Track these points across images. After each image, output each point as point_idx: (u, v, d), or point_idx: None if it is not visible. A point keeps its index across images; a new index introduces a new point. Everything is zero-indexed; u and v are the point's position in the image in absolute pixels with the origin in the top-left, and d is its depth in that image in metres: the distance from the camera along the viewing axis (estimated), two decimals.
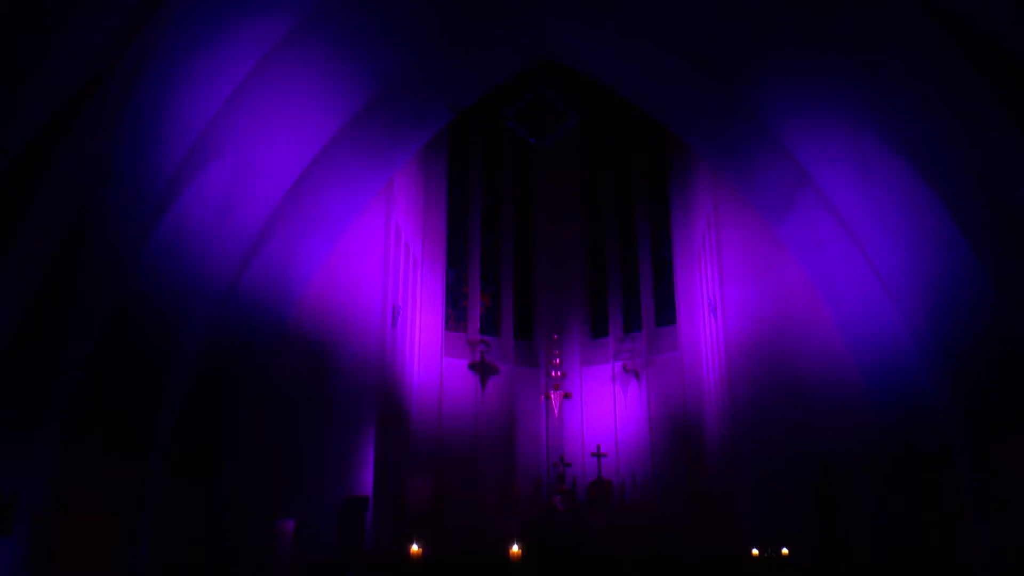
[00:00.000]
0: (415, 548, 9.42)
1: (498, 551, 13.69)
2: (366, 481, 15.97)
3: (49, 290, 8.55)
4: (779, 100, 13.13)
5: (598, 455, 20.06)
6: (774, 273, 16.41)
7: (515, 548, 9.77)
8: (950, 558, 12.51)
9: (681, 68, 14.16)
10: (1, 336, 7.75)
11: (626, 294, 23.13)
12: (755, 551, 12.95)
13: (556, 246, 24.31)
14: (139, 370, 11.42)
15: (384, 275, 17.40)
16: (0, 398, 8.18)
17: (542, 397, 21.42)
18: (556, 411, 20.57)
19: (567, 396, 20.73)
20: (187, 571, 12.95)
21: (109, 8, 7.86)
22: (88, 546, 10.30)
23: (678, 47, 13.71)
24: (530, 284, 24.12)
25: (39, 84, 7.56)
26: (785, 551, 12.83)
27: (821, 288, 15.32)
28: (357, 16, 12.19)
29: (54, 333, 8.90)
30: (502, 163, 24.64)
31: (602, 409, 21.84)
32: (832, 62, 11.28)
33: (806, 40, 11.46)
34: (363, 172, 15.70)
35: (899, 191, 11.31)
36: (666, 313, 21.90)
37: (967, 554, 11.64)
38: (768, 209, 15.92)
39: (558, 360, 21.31)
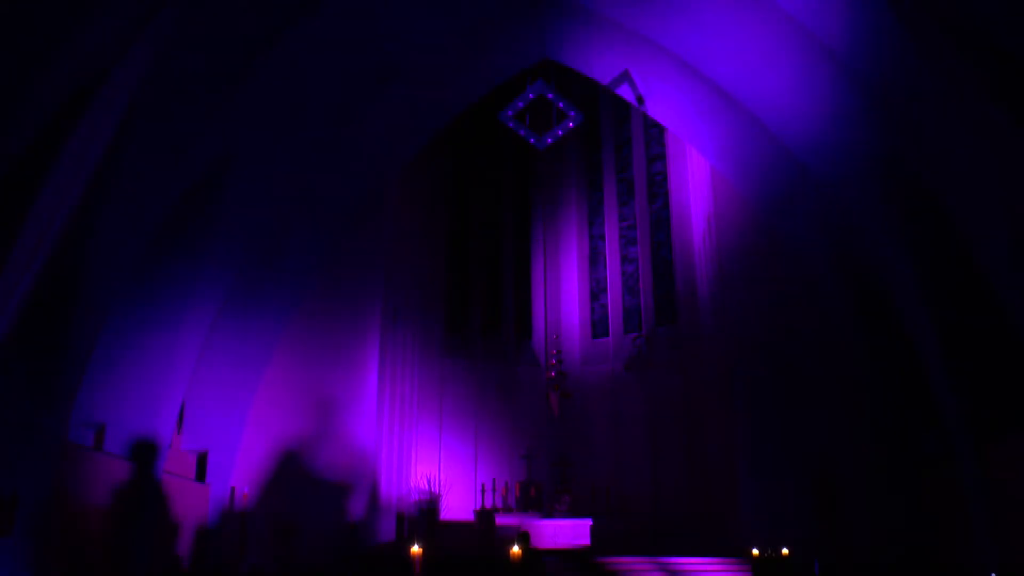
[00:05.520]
0: (415, 548, 9.42)
1: (498, 551, 13.72)
2: (366, 481, 15.97)
3: (50, 290, 8.55)
4: None
5: (598, 454, 20.05)
6: (774, 273, 16.39)
7: (515, 548, 9.79)
8: (950, 558, 12.50)
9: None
10: (1, 336, 7.75)
11: (626, 294, 23.13)
12: (755, 551, 12.94)
13: (556, 246, 24.31)
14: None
15: (384, 277, 17.38)
16: (0, 398, 8.17)
17: (542, 397, 21.41)
18: (556, 411, 20.54)
19: (567, 396, 20.69)
20: (188, 571, 12.95)
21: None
22: (88, 546, 10.29)
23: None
24: (530, 284, 24.11)
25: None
26: (785, 551, 12.83)
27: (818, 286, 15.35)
28: None
29: (54, 332, 8.90)
30: (502, 163, 24.66)
31: (602, 409, 21.82)
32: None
33: None
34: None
35: None
36: (666, 313, 21.90)
37: (967, 554, 11.63)
38: (767, 208, 15.90)
39: (556, 360, 21.31)
